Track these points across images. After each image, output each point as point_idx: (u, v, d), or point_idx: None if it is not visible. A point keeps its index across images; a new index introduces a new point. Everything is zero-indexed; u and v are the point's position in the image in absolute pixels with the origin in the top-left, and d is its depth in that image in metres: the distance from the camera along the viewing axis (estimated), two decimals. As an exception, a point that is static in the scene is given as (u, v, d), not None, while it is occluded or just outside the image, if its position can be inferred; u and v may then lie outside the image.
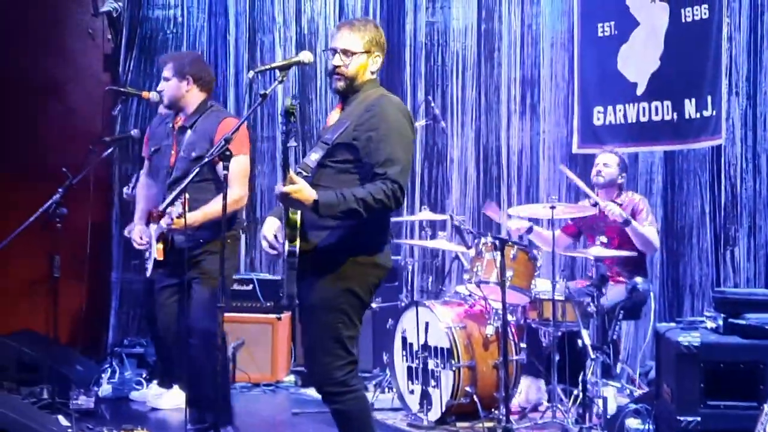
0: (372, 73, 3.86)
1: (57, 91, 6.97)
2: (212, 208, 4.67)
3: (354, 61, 3.80)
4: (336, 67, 3.81)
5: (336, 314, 3.72)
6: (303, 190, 3.50)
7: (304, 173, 3.68)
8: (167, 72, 4.94)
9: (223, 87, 7.48)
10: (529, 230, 6.05)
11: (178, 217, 4.57)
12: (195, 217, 4.68)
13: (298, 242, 3.63)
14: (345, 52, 3.80)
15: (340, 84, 3.83)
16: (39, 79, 6.93)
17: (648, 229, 5.84)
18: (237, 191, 4.69)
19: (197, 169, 4.16)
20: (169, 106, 5.05)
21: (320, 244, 3.70)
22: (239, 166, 4.63)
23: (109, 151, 5.93)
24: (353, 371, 3.78)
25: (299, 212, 3.63)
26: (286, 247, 3.64)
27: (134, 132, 6.05)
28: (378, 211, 3.62)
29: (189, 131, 4.92)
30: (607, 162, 6.02)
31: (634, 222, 5.74)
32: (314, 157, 3.76)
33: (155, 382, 6.28)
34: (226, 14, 7.53)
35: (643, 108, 6.52)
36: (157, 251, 4.93)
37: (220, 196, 4.13)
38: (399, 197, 3.63)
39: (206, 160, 4.22)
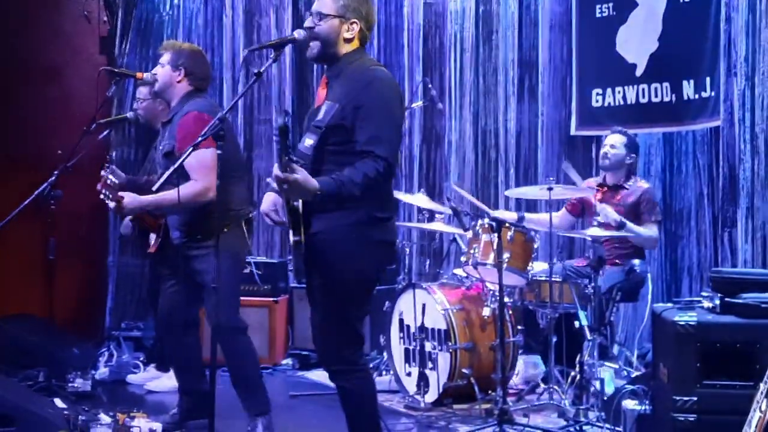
0: (348, 41, 3.77)
1: (53, 74, 6.93)
2: (168, 195, 4.51)
3: (324, 23, 3.73)
4: (308, 28, 3.75)
5: (344, 294, 3.71)
6: (304, 181, 3.41)
7: (302, 162, 3.56)
8: (164, 59, 4.89)
9: (219, 69, 7.45)
10: (520, 219, 5.83)
11: (110, 195, 4.52)
12: (147, 200, 4.62)
13: (302, 230, 3.61)
14: (317, 14, 3.75)
15: (314, 51, 3.77)
16: (34, 62, 6.90)
17: (648, 228, 5.77)
18: (197, 183, 4.53)
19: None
20: (158, 92, 5.01)
21: (324, 227, 3.67)
22: (196, 158, 4.36)
23: (105, 133, 5.90)
24: (361, 350, 3.80)
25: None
26: (291, 237, 3.62)
27: (130, 114, 6.00)
28: (371, 189, 3.57)
29: (168, 126, 4.87)
30: (614, 143, 5.93)
31: (629, 224, 5.63)
32: (308, 142, 3.71)
33: (152, 365, 6.29)
34: (223, -4, 7.50)
35: (643, 89, 6.48)
36: (151, 246, 4.92)
37: (183, 185, 4.25)
38: (389, 172, 3.61)
39: None
